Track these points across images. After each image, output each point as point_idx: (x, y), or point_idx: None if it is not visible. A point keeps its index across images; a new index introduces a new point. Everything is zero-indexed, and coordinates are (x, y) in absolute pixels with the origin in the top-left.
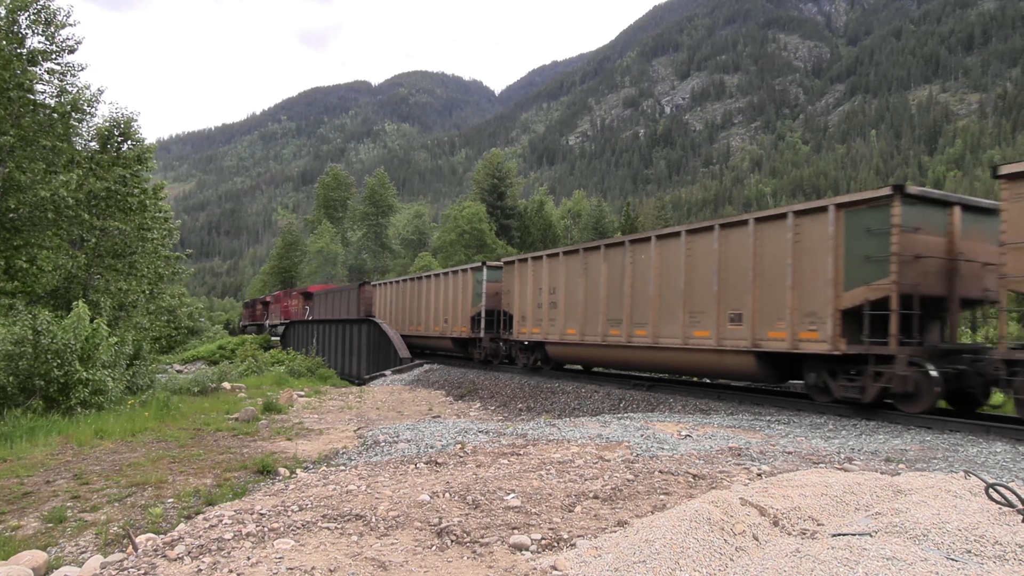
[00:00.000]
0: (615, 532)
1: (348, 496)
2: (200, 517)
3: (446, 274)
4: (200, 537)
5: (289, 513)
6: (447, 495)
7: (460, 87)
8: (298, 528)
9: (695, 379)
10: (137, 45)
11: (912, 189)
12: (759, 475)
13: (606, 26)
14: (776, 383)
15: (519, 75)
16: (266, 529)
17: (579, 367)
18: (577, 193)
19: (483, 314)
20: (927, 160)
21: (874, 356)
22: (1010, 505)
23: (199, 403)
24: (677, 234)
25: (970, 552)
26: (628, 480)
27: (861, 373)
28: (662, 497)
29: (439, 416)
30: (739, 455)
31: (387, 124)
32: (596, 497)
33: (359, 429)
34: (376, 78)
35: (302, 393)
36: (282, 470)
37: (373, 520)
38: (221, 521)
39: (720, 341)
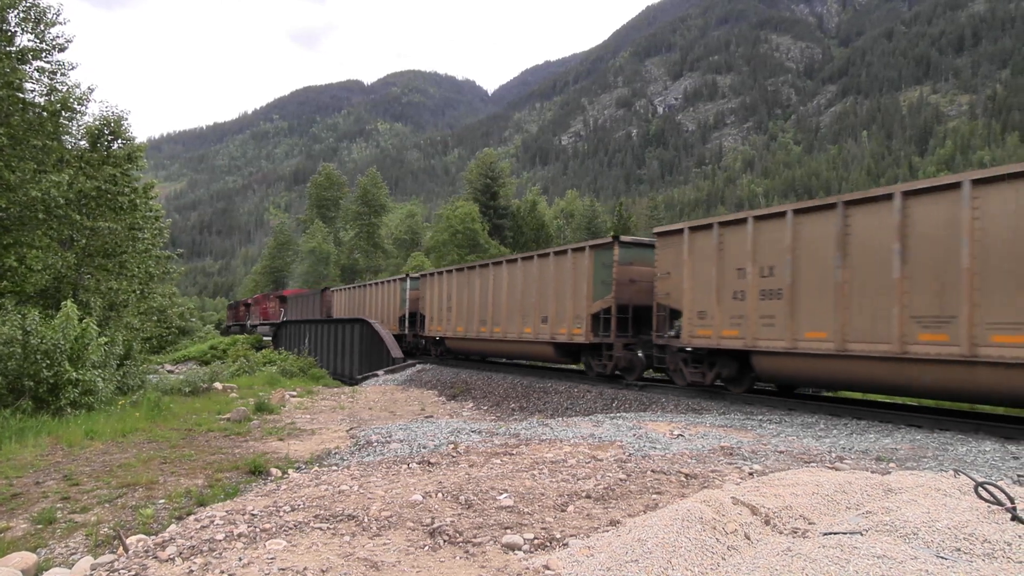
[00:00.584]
0: (608, 531)
1: (340, 496)
2: (191, 518)
3: (384, 283)
4: (191, 538)
5: (281, 513)
6: (440, 495)
7: (453, 86)
8: (290, 529)
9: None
10: (128, 44)
11: (625, 237)
12: (751, 474)
13: (599, 26)
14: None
15: (512, 75)
16: (258, 530)
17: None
18: (570, 193)
19: (407, 315)
20: (918, 161)
21: (606, 344)
22: (999, 504)
23: (190, 403)
24: (514, 260)
25: (959, 550)
26: (621, 479)
27: (603, 356)
28: (654, 496)
29: (432, 416)
30: (731, 454)
31: (380, 123)
32: (589, 497)
33: (351, 429)
34: (369, 77)
35: (294, 393)
36: (274, 470)
37: (366, 520)
38: (212, 522)
39: (536, 335)
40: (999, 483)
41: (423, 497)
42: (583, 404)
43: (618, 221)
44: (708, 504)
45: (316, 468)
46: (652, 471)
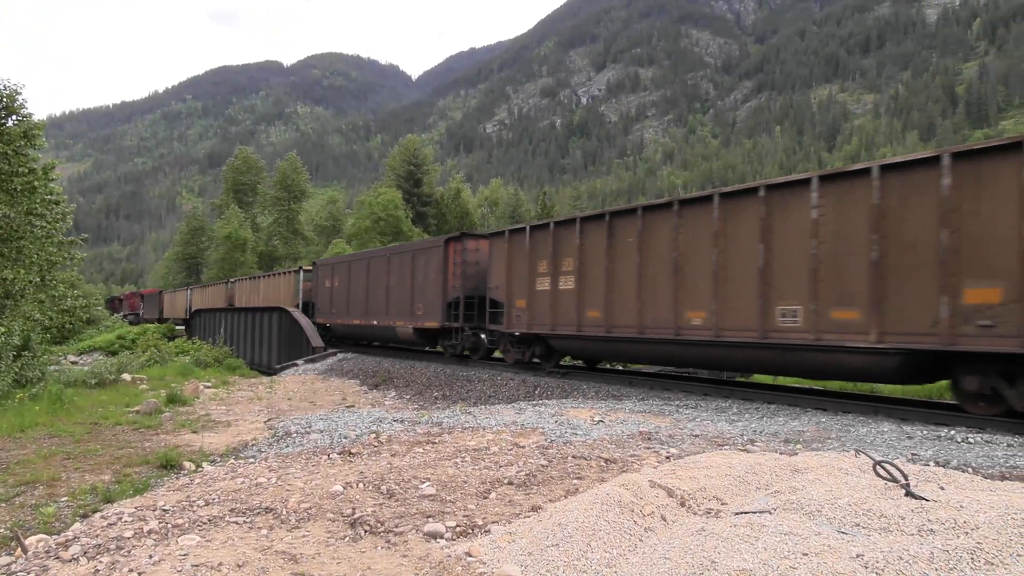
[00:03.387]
0: (529, 517)
1: (258, 489)
2: (97, 515)
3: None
4: (97, 536)
5: (195, 508)
6: (361, 485)
7: (376, 71)
8: (204, 523)
9: (608, 366)
10: (24, 13)
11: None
12: (668, 458)
13: (525, 15)
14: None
15: (437, 61)
16: (170, 525)
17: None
18: (494, 181)
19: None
20: (827, 156)
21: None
22: (895, 480)
23: (96, 396)
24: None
25: (859, 525)
26: (542, 466)
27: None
28: (575, 481)
29: (353, 406)
30: (649, 439)
31: (300, 107)
32: (511, 483)
33: (270, 420)
34: (288, 58)
35: (209, 384)
36: (187, 464)
37: (284, 513)
38: (121, 519)
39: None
40: (895, 461)
41: (344, 488)
42: (506, 392)
43: (542, 210)
44: (626, 488)
45: (232, 461)
46: (573, 457)
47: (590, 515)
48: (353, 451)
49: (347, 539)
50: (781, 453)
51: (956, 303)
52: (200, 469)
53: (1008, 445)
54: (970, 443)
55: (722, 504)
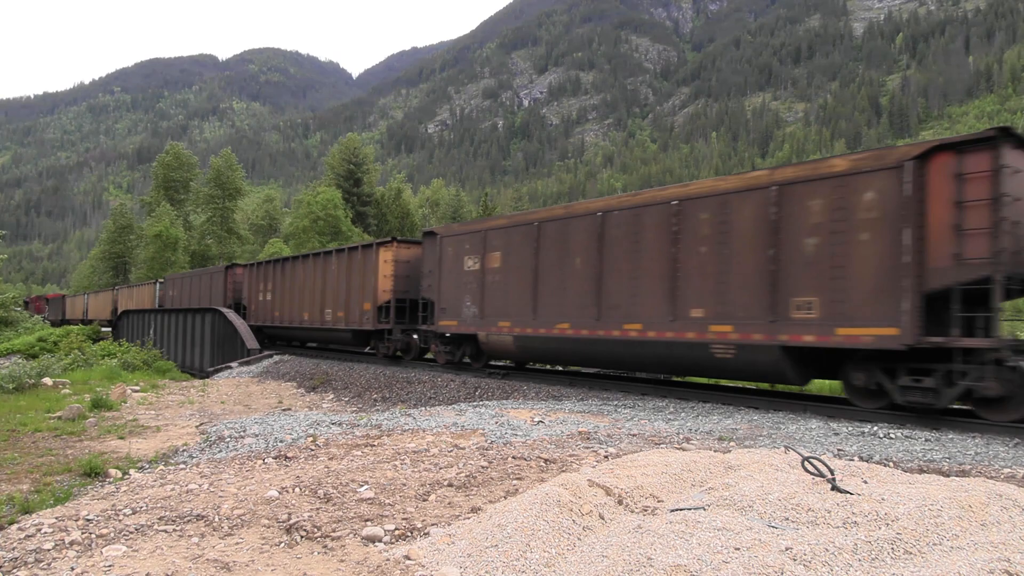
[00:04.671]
0: (469, 519)
1: (188, 496)
2: (14, 527)
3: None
4: (14, 549)
5: (120, 517)
6: (297, 490)
7: (315, 67)
8: (131, 533)
9: (548, 367)
10: None
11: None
12: (606, 457)
13: (467, 15)
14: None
15: (378, 59)
16: (94, 536)
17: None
18: (435, 182)
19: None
20: (760, 162)
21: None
22: (822, 476)
23: (14, 401)
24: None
25: (788, 519)
26: (482, 467)
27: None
28: (515, 482)
29: (290, 409)
30: (588, 439)
31: (235, 102)
32: (450, 485)
33: (202, 424)
34: (223, 52)
35: (137, 388)
36: (113, 471)
37: (216, 519)
38: (40, 530)
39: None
40: (822, 457)
41: (279, 493)
42: (446, 393)
43: (483, 212)
44: (566, 487)
45: (161, 467)
46: (513, 457)
47: (530, 515)
48: (289, 455)
49: (282, 545)
50: (715, 451)
51: None
52: (127, 476)
53: (926, 440)
54: (891, 438)
55: (658, 501)
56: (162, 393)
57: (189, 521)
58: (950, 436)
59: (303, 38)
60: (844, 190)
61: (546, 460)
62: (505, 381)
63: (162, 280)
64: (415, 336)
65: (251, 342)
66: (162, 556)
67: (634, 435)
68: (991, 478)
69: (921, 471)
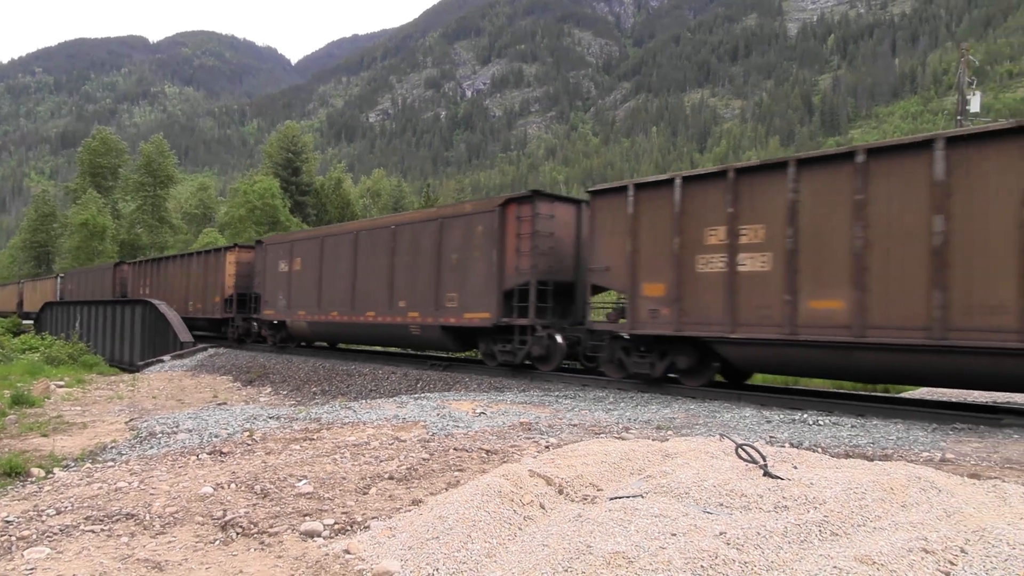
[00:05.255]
0: (410, 511)
1: (117, 494)
2: None
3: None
4: None
5: (43, 518)
6: (233, 486)
7: (252, 52)
8: (55, 534)
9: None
10: None
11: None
12: (547, 447)
13: (409, 4)
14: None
15: (318, 46)
16: (14, 538)
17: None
18: (377, 172)
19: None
20: (698, 157)
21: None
22: (754, 462)
23: None
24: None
25: (723, 505)
26: (424, 459)
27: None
28: (456, 474)
29: (225, 403)
30: (529, 429)
31: (167, 86)
32: (391, 478)
33: (132, 420)
34: (154, 34)
35: (61, 383)
36: (35, 470)
37: (147, 518)
38: None
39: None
40: (755, 444)
41: (214, 489)
42: (388, 385)
43: (425, 203)
44: (507, 478)
45: (88, 465)
46: (455, 449)
47: (471, 506)
48: (225, 450)
49: (217, 542)
50: (653, 439)
51: None
52: (51, 475)
53: (852, 426)
54: (820, 425)
55: (598, 490)
56: (89, 388)
57: (118, 520)
58: (874, 422)
59: (239, 22)
60: (470, 223)
61: (488, 451)
62: (447, 373)
63: (62, 275)
64: (254, 323)
65: (184, 335)
66: (89, 557)
67: (575, 425)
68: (911, 461)
69: (847, 456)
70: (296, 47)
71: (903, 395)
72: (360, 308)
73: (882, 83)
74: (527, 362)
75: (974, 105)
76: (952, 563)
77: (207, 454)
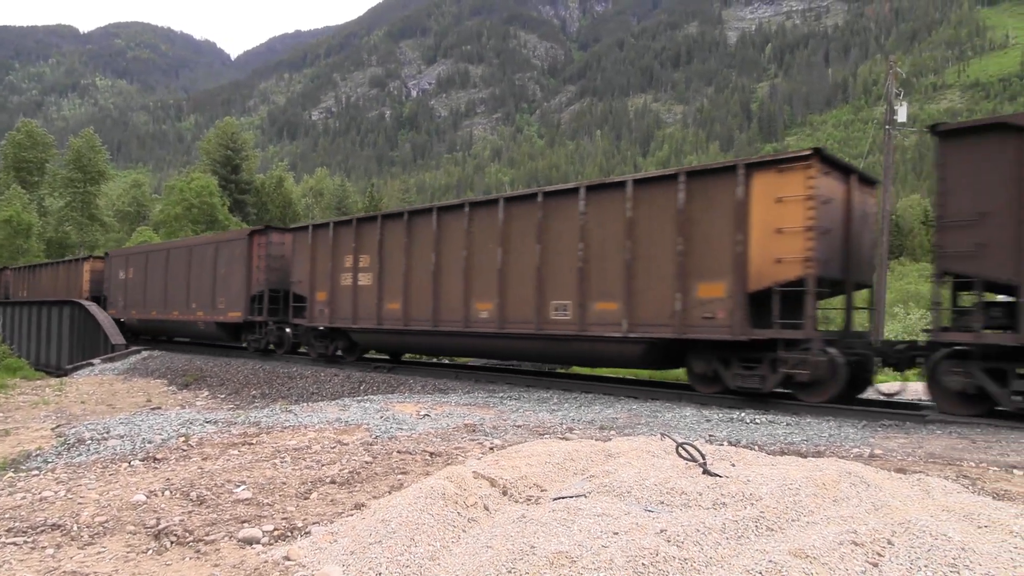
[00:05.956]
0: (352, 516)
1: (42, 504)
2: None
3: (65, 262)
4: None
5: None
6: (167, 493)
7: (190, 46)
8: None
9: (435, 360)
10: None
11: (110, 252)
12: (491, 449)
13: (354, 0)
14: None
15: (259, 41)
16: None
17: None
18: (320, 171)
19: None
20: (641, 161)
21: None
22: (694, 460)
23: None
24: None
25: (663, 503)
26: (367, 462)
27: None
28: (400, 477)
29: (160, 408)
30: (474, 431)
31: (98, 78)
32: (333, 482)
33: (59, 427)
34: (85, 24)
35: None
36: None
37: (75, 528)
38: None
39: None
40: (695, 443)
41: (147, 497)
42: (330, 388)
43: (370, 203)
44: (451, 480)
45: (10, 474)
46: (398, 452)
47: (414, 509)
48: (159, 456)
49: (150, 552)
50: (597, 439)
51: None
52: None
53: (787, 424)
54: (757, 423)
55: (542, 491)
56: (11, 393)
57: (43, 531)
58: (808, 420)
59: (176, 14)
60: (232, 247)
61: (432, 453)
62: (391, 375)
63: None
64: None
65: (116, 337)
66: (11, 571)
67: (519, 426)
68: (842, 458)
69: (783, 453)
70: (236, 42)
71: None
72: (170, 308)
73: (816, 92)
74: (270, 348)
75: (901, 115)
76: (880, 555)
77: (140, 461)
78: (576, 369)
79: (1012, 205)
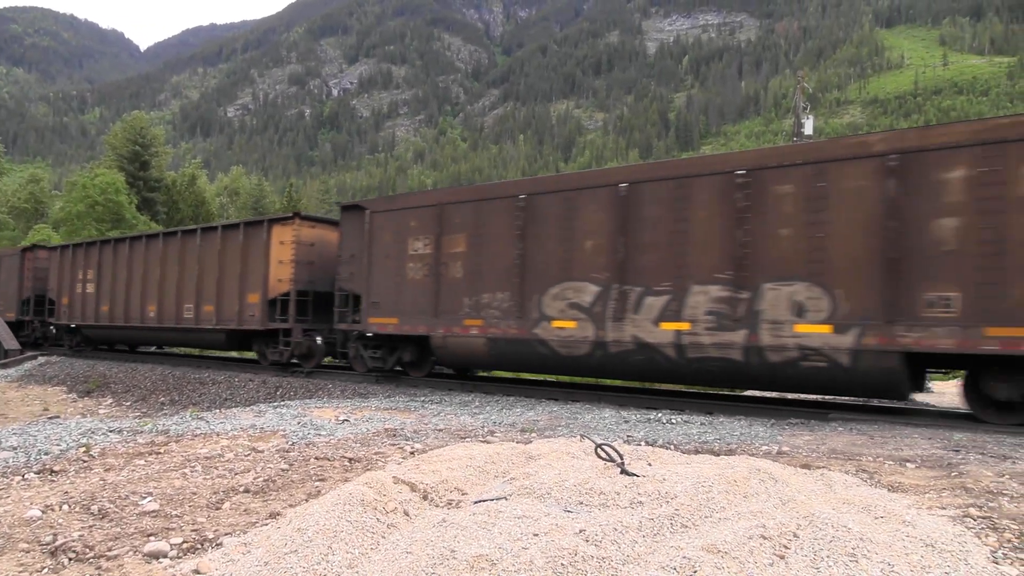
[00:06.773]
0: (267, 525)
1: None
2: None
3: None
4: None
5: None
6: (65, 507)
7: (95, 35)
8: None
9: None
10: None
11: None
12: (412, 453)
13: None
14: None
15: (171, 32)
16: None
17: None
18: (235, 169)
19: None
20: (563, 166)
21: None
22: (612, 461)
23: None
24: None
25: (582, 503)
26: (282, 470)
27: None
28: (317, 484)
29: (58, 416)
30: (394, 435)
31: None
32: (247, 491)
33: None
34: None
35: None
36: None
37: None
38: None
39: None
40: (613, 443)
41: (43, 512)
42: (244, 394)
43: (288, 203)
44: (370, 486)
45: None
46: (316, 458)
47: (332, 517)
48: (56, 468)
49: (46, 570)
50: (518, 442)
51: None
52: None
53: (701, 424)
54: (673, 423)
55: (463, 494)
56: None
57: None
58: (721, 419)
59: (80, 1)
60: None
61: (351, 459)
62: (309, 380)
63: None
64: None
65: (10, 342)
66: None
67: (440, 430)
68: (752, 455)
69: (697, 452)
70: (146, 33)
71: (747, 393)
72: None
73: (730, 104)
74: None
75: (808, 128)
76: (786, 547)
77: (35, 473)
78: (497, 373)
79: (363, 249)
